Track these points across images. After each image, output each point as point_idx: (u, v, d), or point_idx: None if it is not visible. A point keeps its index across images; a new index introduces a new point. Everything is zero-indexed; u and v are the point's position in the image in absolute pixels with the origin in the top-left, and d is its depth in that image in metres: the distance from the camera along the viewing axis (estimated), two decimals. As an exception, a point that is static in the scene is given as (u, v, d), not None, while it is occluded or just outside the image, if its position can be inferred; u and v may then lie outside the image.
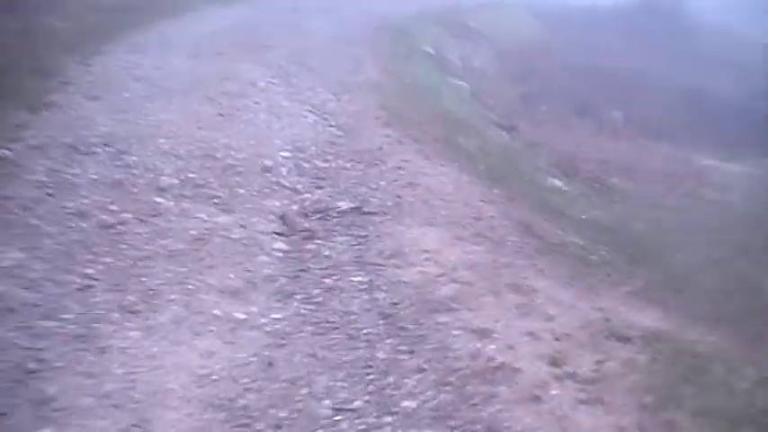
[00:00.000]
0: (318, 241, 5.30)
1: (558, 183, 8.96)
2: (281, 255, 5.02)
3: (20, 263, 4.32)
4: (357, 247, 5.31)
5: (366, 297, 4.64)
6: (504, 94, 13.80)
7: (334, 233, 5.46)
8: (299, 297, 4.53)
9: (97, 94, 7.29)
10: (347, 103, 8.56)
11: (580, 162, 10.53)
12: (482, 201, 6.70)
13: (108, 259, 4.54)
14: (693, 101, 14.91)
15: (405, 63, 11.94)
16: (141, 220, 5.05)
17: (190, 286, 4.40)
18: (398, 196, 6.23)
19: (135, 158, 5.96)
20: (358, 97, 8.89)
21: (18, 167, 5.52)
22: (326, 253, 5.15)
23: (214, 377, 3.66)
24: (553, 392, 3.96)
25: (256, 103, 7.86)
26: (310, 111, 7.97)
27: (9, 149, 5.79)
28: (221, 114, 7.27)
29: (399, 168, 6.82)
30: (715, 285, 6.77)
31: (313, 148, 6.93)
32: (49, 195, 5.17)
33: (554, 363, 4.22)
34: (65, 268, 4.36)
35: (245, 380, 3.69)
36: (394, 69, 11.06)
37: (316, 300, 4.53)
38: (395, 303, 4.60)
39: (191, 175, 5.85)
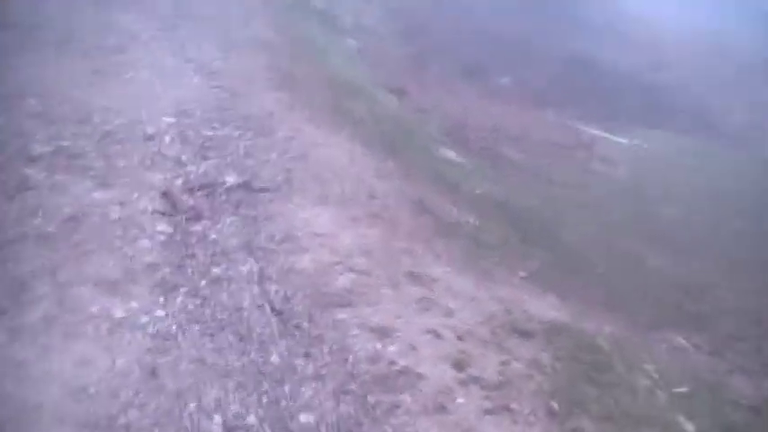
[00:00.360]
0: (205, 222, 4.87)
1: (450, 153, 8.74)
2: (164, 238, 4.57)
3: None
4: (246, 229, 4.91)
5: (257, 290, 4.28)
6: (394, 55, 13.50)
7: (222, 213, 5.03)
8: (184, 290, 4.12)
9: (-43, 43, 6.64)
10: (235, 61, 8.08)
11: (471, 130, 10.36)
12: (376, 176, 6.41)
13: (-30, 243, 4.06)
14: (580, 69, 14.97)
15: (295, 18, 11.47)
16: (9, 196, 4.54)
17: (63, 277, 3.95)
18: (289, 170, 5.86)
19: (1, 121, 5.39)
20: (247, 55, 8.43)
21: None
22: (213, 236, 4.74)
23: (91, 390, 3.27)
24: (459, 401, 3.76)
25: (138, 59, 7.31)
26: (196, 70, 7.46)
27: None
28: (99, 72, 6.70)
29: (291, 138, 6.44)
30: (605, 266, 6.77)
31: (198, 112, 6.46)
32: None
33: (458, 366, 4.02)
34: None
35: (127, 393, 3.31)
36: (284, 24, 10.60)
37: (203, 293, 4.14)
38: (288, 297, 4.27)
39: (64, 143, 5.32)
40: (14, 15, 7.65)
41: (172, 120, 6.16)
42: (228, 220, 4.97)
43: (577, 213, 8.23)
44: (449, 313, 4.53)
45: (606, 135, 12.17)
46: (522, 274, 5.75)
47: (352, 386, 3.68)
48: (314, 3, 13.21)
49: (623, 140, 12.06)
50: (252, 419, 3.34)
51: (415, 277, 4.85)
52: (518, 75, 14.26)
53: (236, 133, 6.27)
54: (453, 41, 15.31)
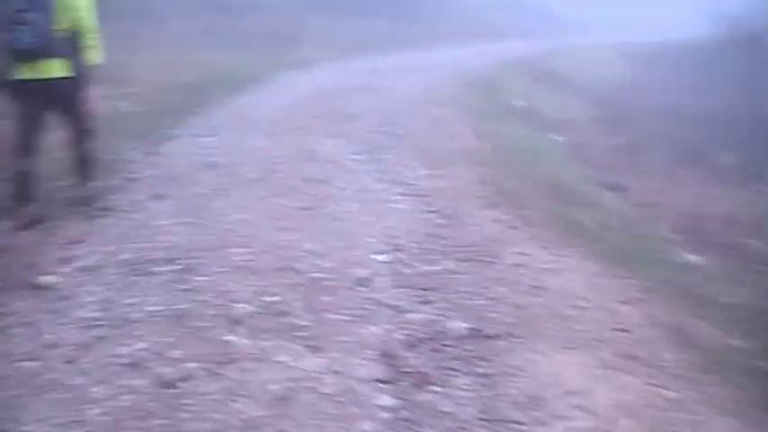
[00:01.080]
0: (433, 388, 4.04)
1: (691, 257, 7.63)
2: (387, 415, 3.74)
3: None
4: (483, 392, 4.03)
5: (508, 481, 3.43)
6: (604, 146, 12.58)
7: (452, 373, 4.18)
8: (421, 493, 3.33)
9: (163, 192, 6.41)
10: (444, 179, 7.46)
11: (704, 223, 9.17)
12: (620, 300, 5.46)
13: (166, 438, 3.46)
14: (811, 131, 13.41)
15: (497, 121, 10.87)
16: (209, 372, 3.93)
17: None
18: (523, 307, 5.01)
19: (202, 279, 4.93)
20: (455, 170, 7.82)
21: (65, 300, 4.57)
22: (446, 407, 3.88)
23: None
24: None
25: (342, 188, 6.82)
26: (404, 194, 6.87)
27: (56, 274, 4.86)
28: (302, 208, 6.24)
29: (519, 266, 5.64)
30: None
31: (413, 245, 5.80)
32: (99, 339, 4.16)
33: None
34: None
35: None
36: (487, 130, 10.00)
37: (444, 493, 3.33)
38: (546, 490, 3.39)
39: (269, 299, 4.74)
40: (217, 155, 7.45)
41: (384, 258, 5.52)
42: (461, 383, 4.11)
43: None
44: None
45: None
46: (815, 410, 4.60)
47: None
48: (514, 101, 12.59)
49: None
50: None
51: (698, 444, 3.85)
52: (742, 150, 12.86)
53: (456, 266, 5.53)
54: (663, 124, 14.25)
